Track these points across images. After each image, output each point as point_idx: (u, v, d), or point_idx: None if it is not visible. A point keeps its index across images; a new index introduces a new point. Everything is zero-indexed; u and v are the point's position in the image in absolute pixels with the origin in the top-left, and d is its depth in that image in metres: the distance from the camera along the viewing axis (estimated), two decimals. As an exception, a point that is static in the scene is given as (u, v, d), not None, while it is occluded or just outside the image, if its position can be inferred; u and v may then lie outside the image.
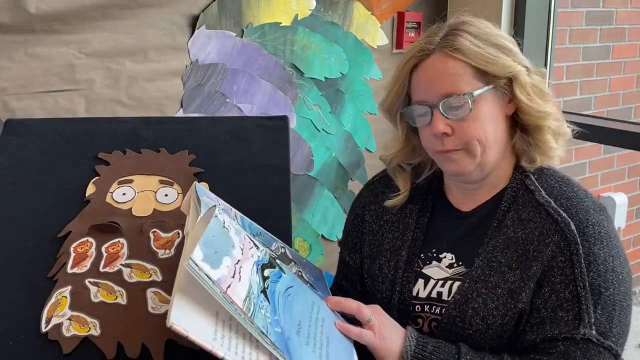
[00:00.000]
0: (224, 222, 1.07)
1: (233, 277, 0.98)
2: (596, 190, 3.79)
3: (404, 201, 1.37)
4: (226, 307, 0.94)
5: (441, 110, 1.22)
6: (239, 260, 1.02)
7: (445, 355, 1.16)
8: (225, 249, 1.02)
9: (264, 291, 1.03)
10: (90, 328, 1.11)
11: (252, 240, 1.11)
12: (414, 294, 1.30)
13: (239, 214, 1.22)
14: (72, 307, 1.13)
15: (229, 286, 0.96)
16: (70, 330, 1.10)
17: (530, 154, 1.28)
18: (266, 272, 1.07)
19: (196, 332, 0.91)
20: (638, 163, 3.99)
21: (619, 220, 3.68)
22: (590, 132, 2.07)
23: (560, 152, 1.30)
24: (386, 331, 1.16)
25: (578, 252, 1.17)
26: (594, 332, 1.15)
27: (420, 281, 1.30)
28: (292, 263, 1.22)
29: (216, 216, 1.06)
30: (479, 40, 1.23)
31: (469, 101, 1.21)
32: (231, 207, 1.21)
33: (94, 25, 1.80)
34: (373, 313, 1.17)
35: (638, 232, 4.07)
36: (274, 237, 1.24)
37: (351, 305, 1.17)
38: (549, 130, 1.27)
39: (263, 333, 0.96)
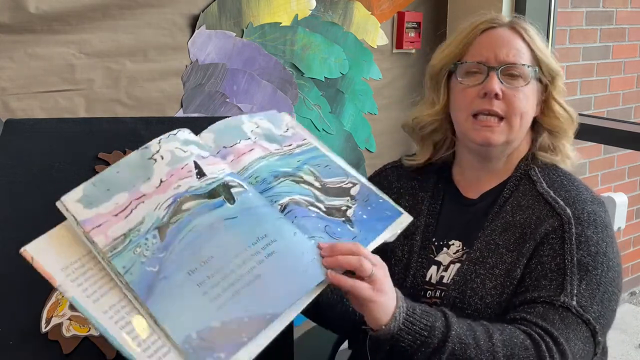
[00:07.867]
0: (156, 153, 1.04)
1: (116, 215, 0.99)
2: (596, 190, 3.78)
3: (420, 165, 1.43)
4: (89, 246, 0.98)
5: (499, 75, 1.28)
6: (142, 195, 1.01)
7: (434, 318, 1.10)
8: (127, 184, 1.02)
9: (160, 228, 0.98)
10: (90, 328, 1.11)
11: (197, 170, 1.04)
12: (427, 278, 1.32)
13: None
14: (72, 307, 1.13)
15: (99, 225, 0.98)
16: (70, 330, 1.10)
17: (549, 153, 1.36)
18: (186, 205, 1.00)
19: (47, 261, 0.95)
20: (638, 163, 3.99)
21: (619, 220, 3.66)
22: (590, 132, 2.08)
23: (571, 154, 1.39)
24: (387, 285, 1.04)
25: (570, 231, 1.22)
26: (574, 302, 1.16)
27: (433, 267, 1.33)
28: (348, 198, 1.12)
29: (146, 147, 1.04)
30: (537, 35, 1.34)
31: (530, 74, 1.29)
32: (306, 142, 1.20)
33: (94, 25, 1.80)
34: (375, 266, 1.01)
35: (638, 232, 4.07)
36: (349, 172, 1.17)
37: (351, 260, 0.99)
38: (566, 134, 1.36)
39: (119, 273, 0.95)
